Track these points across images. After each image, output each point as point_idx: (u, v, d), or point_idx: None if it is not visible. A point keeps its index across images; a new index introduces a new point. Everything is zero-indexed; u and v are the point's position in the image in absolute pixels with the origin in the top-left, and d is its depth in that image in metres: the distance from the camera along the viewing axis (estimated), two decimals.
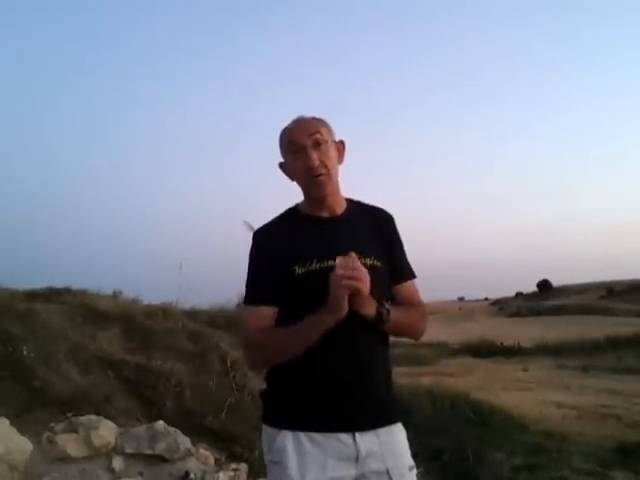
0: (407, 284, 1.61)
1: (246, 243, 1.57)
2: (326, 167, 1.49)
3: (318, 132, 1.50)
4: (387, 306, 1.43)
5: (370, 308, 1.41)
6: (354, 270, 1.34)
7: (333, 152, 1.53)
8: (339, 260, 1.35)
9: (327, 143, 1.50)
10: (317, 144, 1.49)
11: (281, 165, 1.58)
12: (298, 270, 1.44)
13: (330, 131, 1.55)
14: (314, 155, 1.47)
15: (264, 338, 1.45)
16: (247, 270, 1.53)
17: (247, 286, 1.52)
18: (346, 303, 1.35)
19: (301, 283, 1.44)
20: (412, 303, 1.58)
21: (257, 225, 1.59)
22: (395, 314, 1.45)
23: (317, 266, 1.44)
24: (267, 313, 1.46)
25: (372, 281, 1.39)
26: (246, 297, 1.52)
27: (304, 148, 1.48)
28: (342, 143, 1.58)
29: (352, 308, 1.38)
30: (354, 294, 1.36)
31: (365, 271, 1.36)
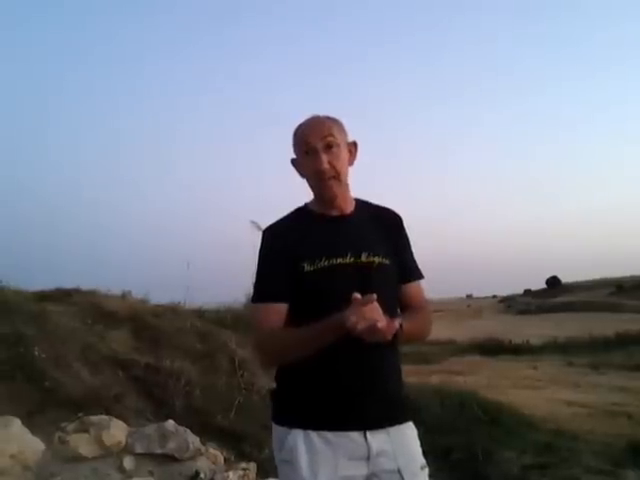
0: (414, 284, 1.61)
1: (253, 242, 1.58)
2: (335, 170, 1.49)
3: (330, 134, 1.50)
4: (400, 322, 1.37)
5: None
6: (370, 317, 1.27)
7: (344, 154, 1.53)
8: (354, 308, 1.27)
9: (339, 146, 1.51)
10: (328, 147, 1.49)
11: (293, 161, 1.58)
12: (307, 267, 1.45)
13: (343, 132, 1.56)
14: (324, 158, 1.48)
15: (275, 337, 1.44)
16: (257, 267, 1.54)
17: (257, 283, 1.52)
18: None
19: (310, 280, 1.44)
20: (418, 304, 1.59)
21: (264, 224, 1.60)
22: (406, 326, 1.41)
23: (326, 263, 1.45)
24: (277, 310, 1.46)
25: (380, 279, 1.40)
26: (256, 294, 1.51)
27: (315, 150, 1.49)
28: (355, 144, 1.59)
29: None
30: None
31: (380, 315, 1.28)
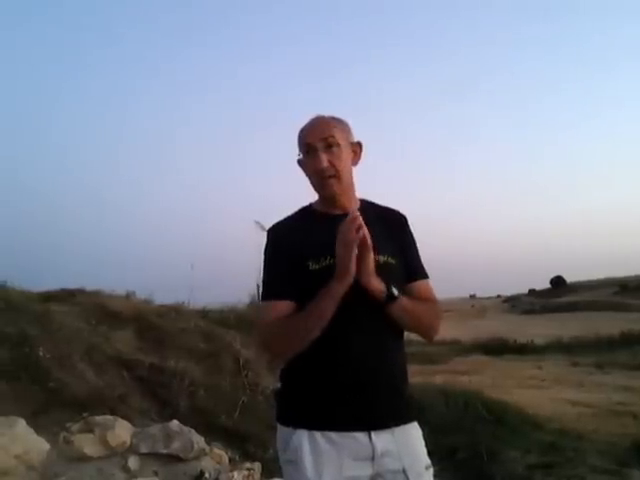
0: (420, 283, 1.60)
1: (257, 242, 1.58)
2: (336, 169, 1.50)
3: (331, 134, 1.50)
4: (396, 289, 1.44)
5: (378, 283, 1.42)
6: (358, 224, 1.36)
7: (346, 154, 1.53)
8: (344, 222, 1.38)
9: (339, 146, 1.51)
10: (328, 146, 1.50)
11: (299, 162, 1.59)
12: (312, 266, 1.45)
13: (347, 132, 1.56)
14: (323, 157, 1.49)
15: (279, 325, 1.44)
16: (263, 266, 1.54)
17: (264, 282, 1.53)
18: (353, 265, 1.37)
19: (315, 278, 1.44)
20: (426, 300, 1.58)
21: (268, 225, 1.61)
22: (406, 300, 1.46)
23: (330, 262, 1.44)
24: (284, 307, 1.46)
25: (387, 278, 1.39)
26: (263, 293, 1.52)
27: (315, 150, 1.50)
28: (359, 144, 1.59)
29: (361, 282, 1.40)
30: (361, 260, 1.38)
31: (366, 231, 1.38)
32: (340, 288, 1.38)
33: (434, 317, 1.59)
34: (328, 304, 1.38)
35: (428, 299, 1.59)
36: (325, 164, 1.48)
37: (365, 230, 1.37)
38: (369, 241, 1.38)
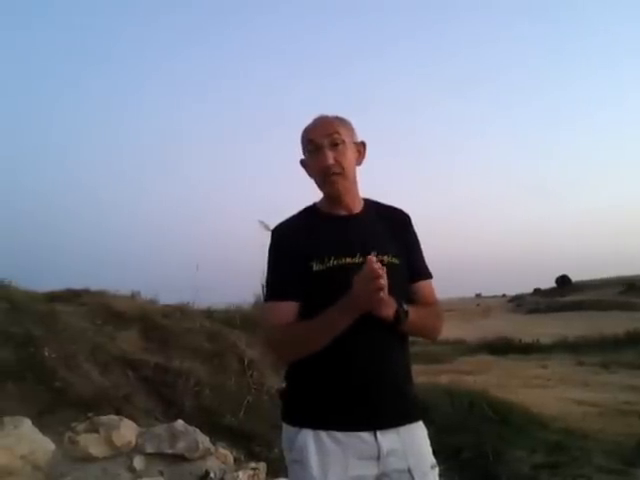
0: (424, 283, 1.60)
1: (261, 242, 1.58)
2: (341, 167, 1.49)
3: (336, 132, 1.50)
4: (405, 307, 1.42)
5: (389, 309, 1.40)
6: (379, 276, 1.30)
7: (351, 153, 1.53)
8: (366, 265, 1.32)
9: (344, 144, 1.51)
10: (334, 144, 1.49)
11: (302, 162, 1.59)
12: (316, 267, 1.45)
13: (351, 131, 1.56)
14: (329, 154, 1.48)
15: (287, 331, 1.44)
16: (267, 266, 1.54)
17: (268, 282, 1.53)
18: (369, 300, 1.34)
19: (318, 279, 1.44)
20: (428, 302, 1.58)
21: (272, 224, 1.60)
22: (413, 315, 1.44)
23: (334, 263, 1.45)
24: (289, 308, 1.46)
25: (390, 279, 1.39)
26: (267, 293, 1.52)
27: (321, 147, 1.49)
28: (363, 144, 1.59)
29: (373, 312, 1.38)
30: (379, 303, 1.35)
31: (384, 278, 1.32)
32: (352, 317, 1.37)
33: (437, 320, 1.60)
34: (337, 326, 1.37)
35: (430, 301, 1.59)
36: (331, 161, 1.48)
37: (383, 279, 1.31)
38: (386, 289, 1.33)
